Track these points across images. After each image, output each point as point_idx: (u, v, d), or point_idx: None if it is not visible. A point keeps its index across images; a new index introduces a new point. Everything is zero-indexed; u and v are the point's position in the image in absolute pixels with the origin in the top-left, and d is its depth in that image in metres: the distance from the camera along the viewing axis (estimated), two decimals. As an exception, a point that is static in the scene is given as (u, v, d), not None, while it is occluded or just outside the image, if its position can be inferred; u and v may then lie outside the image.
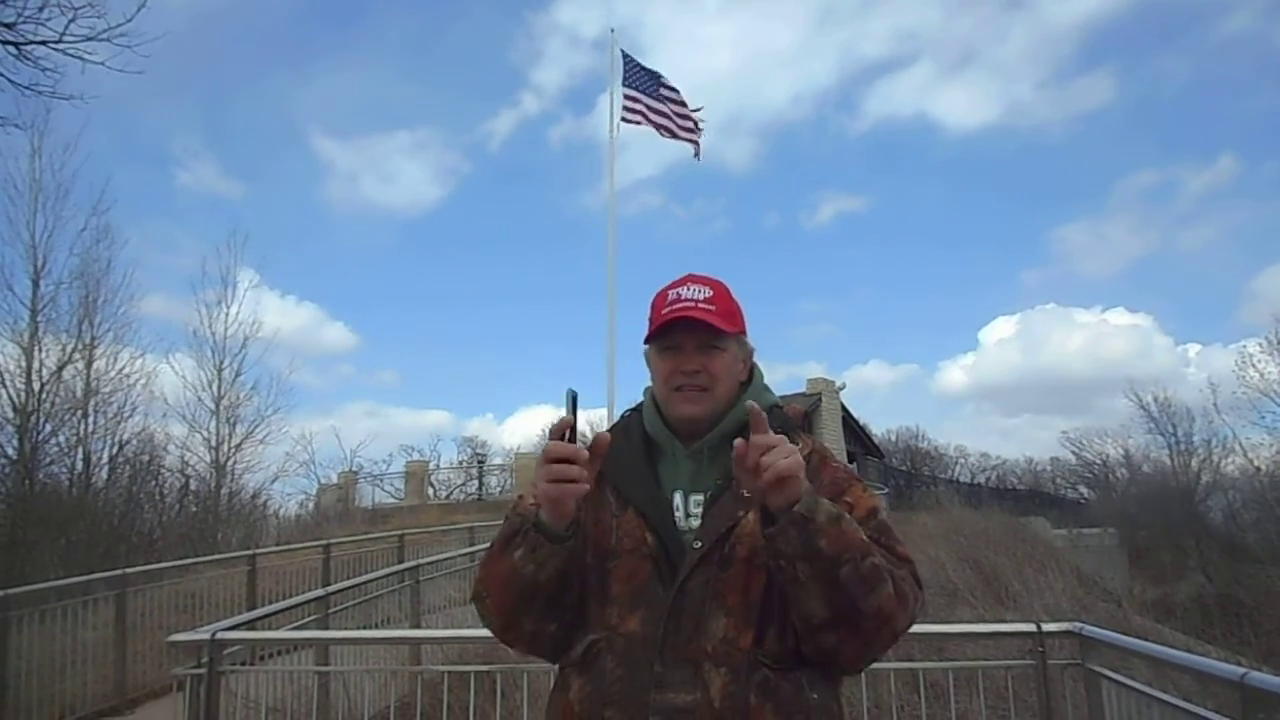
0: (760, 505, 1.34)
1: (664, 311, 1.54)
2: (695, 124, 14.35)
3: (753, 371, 1.64)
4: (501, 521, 1.51)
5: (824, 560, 1.28)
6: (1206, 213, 59.79)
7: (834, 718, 1.44)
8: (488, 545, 1.52)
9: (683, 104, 14.28)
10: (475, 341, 57.52)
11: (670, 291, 1.57)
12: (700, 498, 1.49)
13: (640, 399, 1.67)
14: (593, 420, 15.07)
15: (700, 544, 1.42)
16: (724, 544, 1.42)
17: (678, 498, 1.51)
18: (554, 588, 1.41)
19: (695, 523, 1.47)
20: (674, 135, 14.18)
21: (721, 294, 1.58)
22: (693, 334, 1.52)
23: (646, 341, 1.57)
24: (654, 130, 14.04)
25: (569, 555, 1.40)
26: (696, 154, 14.78)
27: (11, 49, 7.78)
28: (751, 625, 1.39)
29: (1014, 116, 60.82)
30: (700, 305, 1.53)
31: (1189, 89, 57.83)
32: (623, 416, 1.67)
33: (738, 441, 1.28)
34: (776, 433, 1.50)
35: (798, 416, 1.61)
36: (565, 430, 1.31)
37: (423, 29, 55.22)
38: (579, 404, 1.33)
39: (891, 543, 1.43)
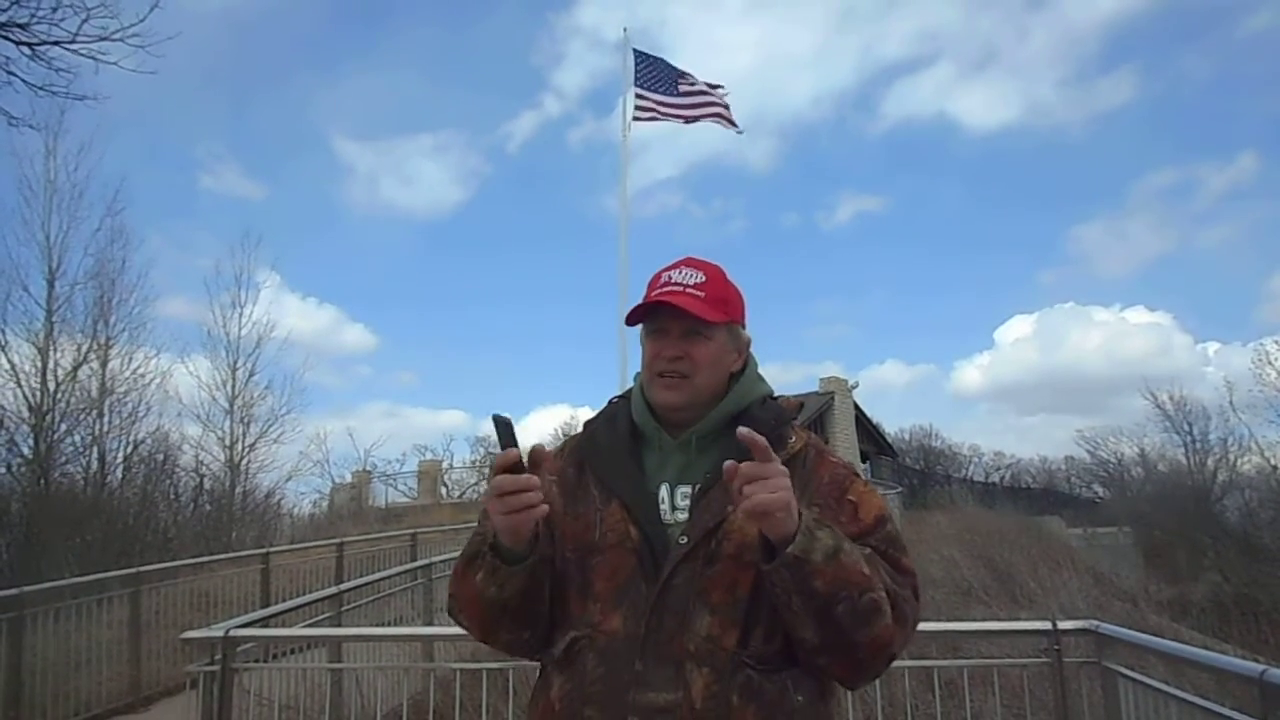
0: (760, 535, 1.29)
1: (651, 294, 1.50)
2: (723, 102, 13.82)
3: (747, 362, 1.58)
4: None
5: (818, 599, 1.25)
6: (1227, 211, 59.05)
7: None
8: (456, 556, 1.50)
9: (705, 89, 13.78)
10: (493, 342, 57.31)
11: (663, 274, 1.53)
12: (687, 490, 1.45)
13: (631, 385, 1.62)
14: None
15: (686, 539, 1.38)
16: (711, 539, 1.37)
17: (664, 490, 1.46)
18: (519, 604, 1.39)
19: (682, 516, 1.42)
20: (696, 119, 13.76)
21: (715, 280, 1.52)
22: (678, 319, 1.47)
23: (628, 323, 1.53)
24: (671, 122, 13.71)
25: (530, 574, 1.37)
26: (735, 126, 13.95)
27: (25, 49, 7.83)
28: (737, 624, 1.34)
29: (1033, 116, 59.94)
30: (688, 290, 1.48)
31: (1210, 87, 56.76)
32: (609, 403, 1.62)
33: (728, 464, 1.22)
34: (770, 425, 1.45)
35: (793, 409, 1.56)
36: (513, 462, 1.26)
37: (445, 32, 55.00)
38: (513, 428, 1.27)
39: (897, 555, 1.40)
